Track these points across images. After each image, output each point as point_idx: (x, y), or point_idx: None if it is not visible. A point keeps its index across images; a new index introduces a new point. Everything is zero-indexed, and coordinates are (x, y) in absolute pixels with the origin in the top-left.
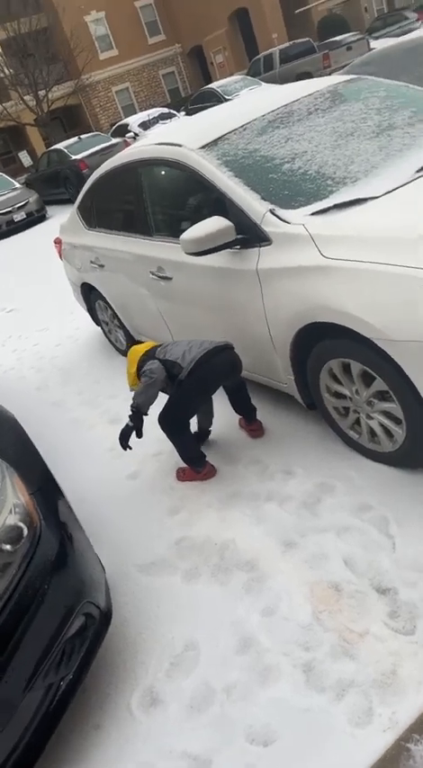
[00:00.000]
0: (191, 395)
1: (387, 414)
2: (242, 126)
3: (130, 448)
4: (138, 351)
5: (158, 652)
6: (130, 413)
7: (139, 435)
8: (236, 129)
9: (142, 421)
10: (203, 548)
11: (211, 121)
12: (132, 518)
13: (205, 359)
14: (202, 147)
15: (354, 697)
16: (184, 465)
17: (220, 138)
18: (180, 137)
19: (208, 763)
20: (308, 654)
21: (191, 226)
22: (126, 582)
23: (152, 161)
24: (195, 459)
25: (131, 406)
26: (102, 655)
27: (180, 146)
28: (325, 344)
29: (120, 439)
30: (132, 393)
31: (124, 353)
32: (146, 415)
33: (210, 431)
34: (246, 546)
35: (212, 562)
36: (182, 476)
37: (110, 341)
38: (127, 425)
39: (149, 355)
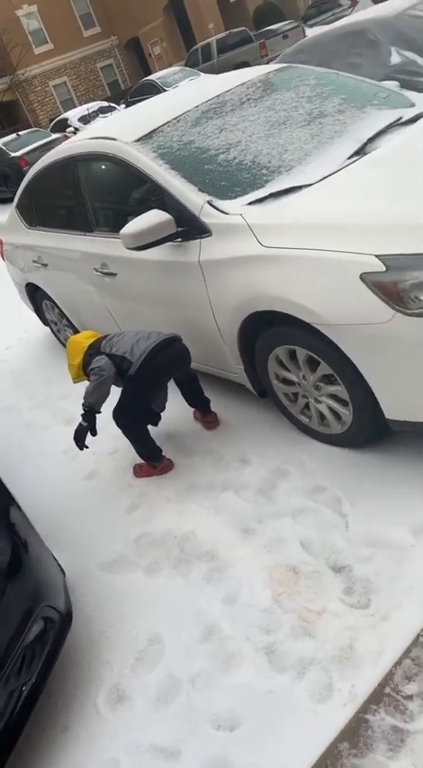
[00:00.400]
0: (142, 390)
1: (334, 396)
2: (176, 118)
3: (87, 447)
4: (78, 342)
5: (123, 649)
6: (83, 412)
7: (94, 433)
8: (170, 121)
9: (95, 419)
10: (164, 542)
11: (145, 114)
12: (91, 518)
13: (154, 353)
14: (137, 140)
15: (314, 674)
16: (140, 461)
17: (154, 130)
18: (114, 130)
19: (176, 753)
20: (269, 637)
21: (130, 219)
22: (88, 582)
23: (88, 156)
24: (152, 455)
25: (83, 405)
26: (66, 656)
27: (114, 139)
28: (270, 332)
29: (75, 439)
30: (84, 391)
31: None
32: (98, 413)
33: (160, 415)
34: (205, 536)
35: (173, 555)
36: (139, 472)
37: (59, 340)
38: (80, 425)
39: (96, 348)
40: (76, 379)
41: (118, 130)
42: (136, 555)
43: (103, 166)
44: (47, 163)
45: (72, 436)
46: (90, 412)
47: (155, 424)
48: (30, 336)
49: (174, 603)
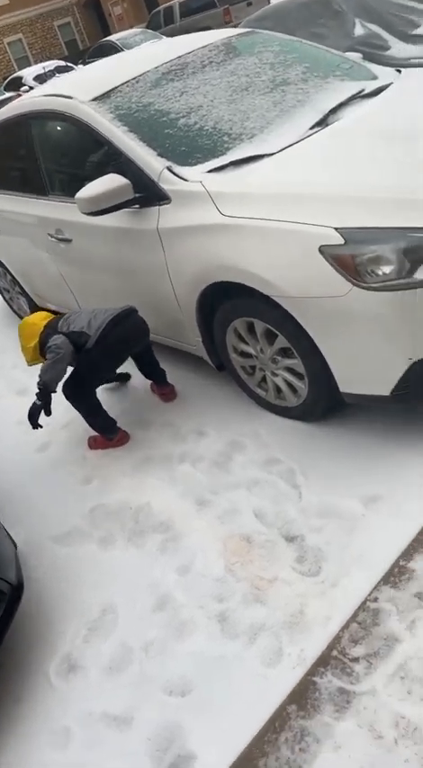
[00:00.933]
0: (99, 363)
1: (290, 370)
2: (135, 78)
3: (40, 426)
4: (33, 324)
5: (76, 619)
6: (38, 390)
7: (48, 413)
8: (129, 81)
9: (50, 398)
10: (118, 514)
11: (103, 72)
12: (45, 491)
13: (112, 324)
14: (94, 99)
15: (265, 640)
16: (94, 433)
17: (112, 89)
18: (70, 88)
19: (128, 720)
20: (221, 605)
21: (86, 183)
22: (41, 554)
23: (42, 114)
24: (106, 427)
25: (38, 383)
26: (17, 628)
27: (71, 98)
28: (229, 304)
29: (29, 418)
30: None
31: None
32: (54, 392)
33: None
34: (160, 508)
35: (128, 527)
36: (93, 444)
37: (11, 308)
38: (35, 404)
39: (52, 328)
40: (32, 362)
41: (74, 88)
42: (90, 527)
43: (59, 126)
44: None
45: (26, 411)
46: (45, 391)
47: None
48: None
49: (128, 575)
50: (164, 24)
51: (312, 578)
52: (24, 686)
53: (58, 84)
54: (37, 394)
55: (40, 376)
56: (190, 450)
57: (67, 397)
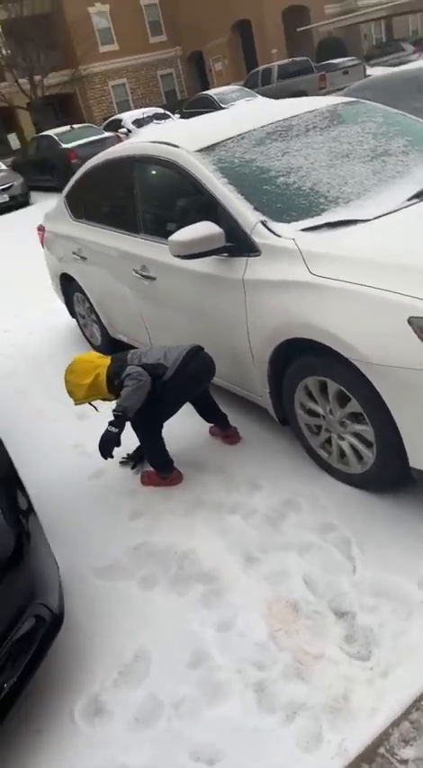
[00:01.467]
0: (174, 396)
1: (359, 436)
2: (240, 134)
3: (112, 456)
4: (89, 361)
5: (107, 660)
6: (114, 418)
7: (119, 444)
8: (234, 137)
9: (124, 426)
10: (163, 555)
11: (210, 126)
12: (92, 519)
13: (188, 358)
14: (199, 150)
15: (304, 720)
16: (149, 469)
17: (217, 143)
18: (177, 137)
19: None
20: (261, 673)
21: (179, 228)
22: (80, 584)
23: (147, 158)
24: (164, 465)
25: (116, 410)
26: (48, 658)
27: (177, 146)
28: (304, 361)
29: (103, 446)
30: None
31: (99, 349)
32: (129, 419)
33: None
34: (206, 557)
35: (171, 571)
36: (146, 480)
37: (84, 335)
38: (109, 432)
39: (121, 361)
40: (83, 400)
41: (182, 138)
42: (133, 564)
43: (161, 171)
44: (105, 158)
45: (84, 435)
46: (123, 417)
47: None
48: (55, 325)
49: (166, 622)
50: (260, 84)
51: (361, 662)
52: (47, 719)
53: (165, 132)
54: (112, 421)
55: (119, 402)
56: (242, 502)
57: (136, 428)
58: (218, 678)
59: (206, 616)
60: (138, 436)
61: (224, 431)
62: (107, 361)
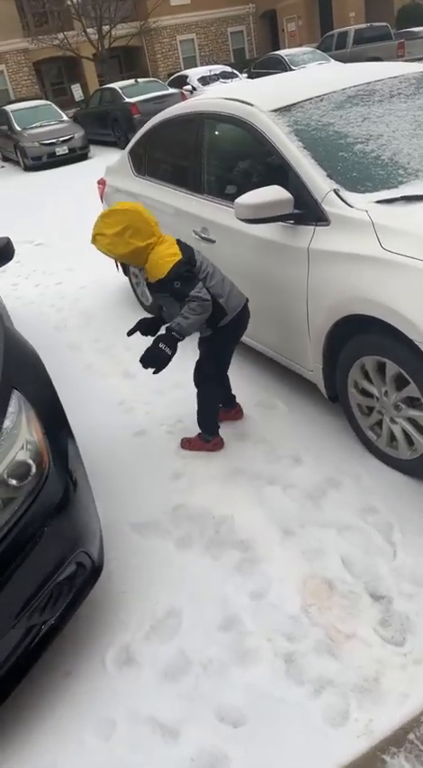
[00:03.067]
0: (228, 343)
1: (413, 421)
2: (319, 96)
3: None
4: (150, 224)
5: (140, 613)
6: (168, 335)
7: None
8: (312, 98)
9: (176, 349)
10: (200, 518)
11: (287, 86)
12: (133, 475)
13: (244, 310)
14: (275, 110)
15: (331, 696)
16: (189, 434)
17: (294, 104)
18: (252, 96)
19: (175, 733)
20: (291, 645)
21: (245, 190)
22: (117, 537)
23: (218, 116)
24: (211, 426)
25: (173, 328)
26: (85, 605)
27: (252, 105)
28: (363, 339)
29: (151, 362)
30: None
31: (149, 310)
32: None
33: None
34: (243, 525)
35: (207, 535)
36: (187, 444)
37: (136, 294)
38: (162, 351)
39: (191, 264)
40: (110, 253)
41: (257, 96)
42: (170, 524)
43: (232, 130)
44: (173, 114)
45: (147, 359)
46: (178, 338)
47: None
48: (107, 282)
49: (199, 583)
50: (334, 48)
51: (395, 647)
52: (78, 663)
53: (239, 89)
54: (166, 340)
55: (179, 323)
56: (283, 474)
57: (198, 380)
58: (248, 644)
59: (240, 583)
60: (199, 388)
61: (229, 411)
62: (169, 240)
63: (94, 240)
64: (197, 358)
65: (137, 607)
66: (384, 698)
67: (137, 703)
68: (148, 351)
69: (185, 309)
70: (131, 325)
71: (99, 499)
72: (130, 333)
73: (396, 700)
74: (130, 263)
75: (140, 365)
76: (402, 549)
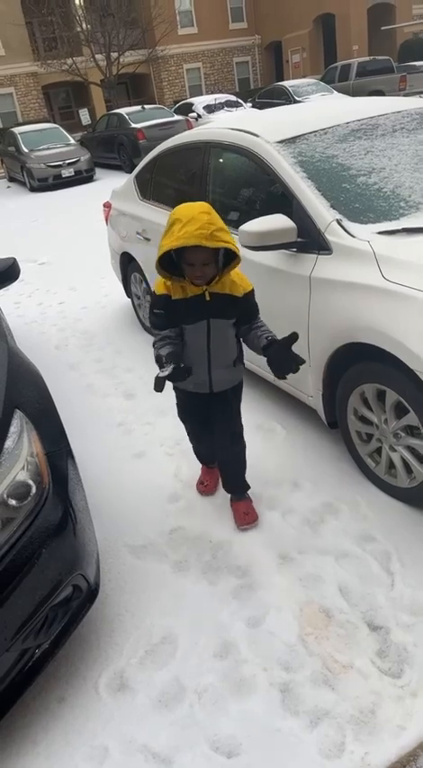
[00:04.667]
0: None
1: (412, 450)
2: (323, 129)
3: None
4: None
5: (135, 637)
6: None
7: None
8: (317, 131)
9: None
10: (198, 542)
11: (292, 118)
12: (131, 497)
13: None
14: (280, 141)
15: (327, 728)
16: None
17: (299, 136)
18: (258, 127)
19: (168, 761)
20: (287, 674)
21: (249, 218)
22: (114, 559)
23: (223, 145)
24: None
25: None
26: (79, 628)
27: (257, 135)
28: (364, 366)
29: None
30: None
31: (150, 331)
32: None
33: None
34: (241, 550)
35: (204, 559)
36: (252, 518)
37: (138, 316)
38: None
39: None
40: (227, 242)
41: (262, 128)
42: (167, 547)
43: (237, 159)
44: (180, 141)
45: (131, 414)
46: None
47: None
48: (108, 302)
49: (195, 608)
50: (337, 80)
51: (392, 679)
52: (71, 689)
53: (244, 120)
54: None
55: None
56: (281, 499)
57: (241, 429)
58: (244, 672)
59: (236, 609)
60: (240, 449)
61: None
62: None
63: (214, 236)
64: (232, 404)
65: (132, 631)
66: (380, 730)
67: (130, 730)
68: (283, 361)
69: (264, 326)
70: (133, 347)
71: (97, 520)
72: (160, 388)
73: (392, 732)
74: (206, 269)
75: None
76: (401, 578)
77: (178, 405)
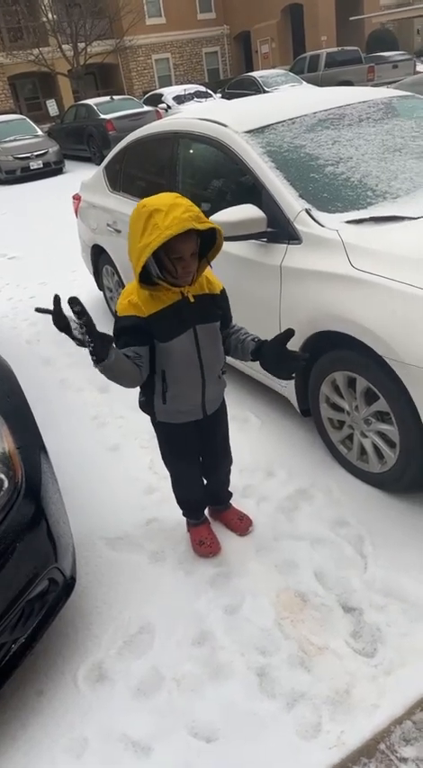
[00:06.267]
0: None
1: (382, 435)
2: (291, 119)
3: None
4: None
5: (113, 629)
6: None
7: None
8: (285, 121)
9: None
10: (173, 533)
11: (260, 108)
12: (107, 490)
13: None
14: (248, 131)
15: (304, 709)
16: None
17: (267, 126)
18: (226, 117)
19: (147, 749)
20: (264, 658)
21: (219, 209)
22: (90, 552)
23: (192, 135)
24: None
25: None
26: (56, 621)
27: (226, 126)
28: (334, 355)
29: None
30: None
31: None
32: None
33: None
34: (217, 538)
35: (180, 549)
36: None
37: (109, 308)
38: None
39: None
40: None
41: (230, 118)
42: (144, 538)
43: (206, 150)
44: (148, 132)
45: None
46: None
47: None
48: (80, 295)
49: (172, 598)
50: (307, 71)
51: (365, 659)
52: (50, 682)
53: (213, 110)
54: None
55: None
56: (256, 487)
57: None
58: (221, 659)
59: (213, 597)
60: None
61: None
62: None
63: (200, 217)
64: (224, 422)
65: (109, 623)
66: (355, 709)
67: (109, 720)
68: (281, 361)
69: (244, 329)
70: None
71: (72, 514)
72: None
73: (366, 711)
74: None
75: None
76: (373, 560)
77: (164, 443)
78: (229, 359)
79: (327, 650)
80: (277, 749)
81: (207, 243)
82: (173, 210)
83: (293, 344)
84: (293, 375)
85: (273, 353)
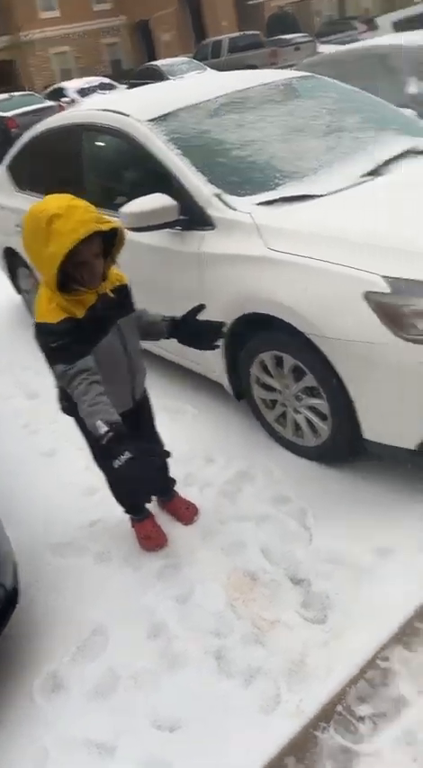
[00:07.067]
0: None
1: (314, 409)
2: (193, 105)
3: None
4: None
5: (65, 636)
6: None
7: None
8: (187, 107)
9: None
10: (117, 531)
11: (162, 95)
12: (46, 496)
13: None
14: (151, 120)
15: (262, 684)
16: None
17: (169, 113)
18: (127, 106)
19: (112, 749)
20: (219, 640)
21: (130, 200)
22: (36, 561)
23: (95, 127)
24: None
25: None
26: (4, 637)
27: (127, 115)
28: (260, 336)
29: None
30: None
31: None
32: None
33: None
34: (163, 530)
35: (126, 546)
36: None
37: (29, 310)
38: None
39: None
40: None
41: (132, 107)
42: (88, 540)
43: (110, 141)
44: (49, 126)
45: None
46: None
47: None
48: None
49: (122, 596)
50: (210, 57)
51: (317, 626)
52: (4, 697)
53: (114, 100)
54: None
55: None
56: (197, 475)
57: None
58: (176, 648)
59: (163, 589)
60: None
61: None
62: None
63: (100, 218)
64: (149, 401)
65: (61, 630)
66: (310, 676)
67: (68, 728)
68: (199, 333)
69: (147, 310)
70: (30, 344)
71: (12, 524)
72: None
73: (321, 675)
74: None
75: None
76: (317, 532)
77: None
78: (163, 351)
79: (279, 623)
80: (240, 726)
81: (108, 239)
82: (72, 213)
83: None
84: (217, 344)
85: (188, 327)
